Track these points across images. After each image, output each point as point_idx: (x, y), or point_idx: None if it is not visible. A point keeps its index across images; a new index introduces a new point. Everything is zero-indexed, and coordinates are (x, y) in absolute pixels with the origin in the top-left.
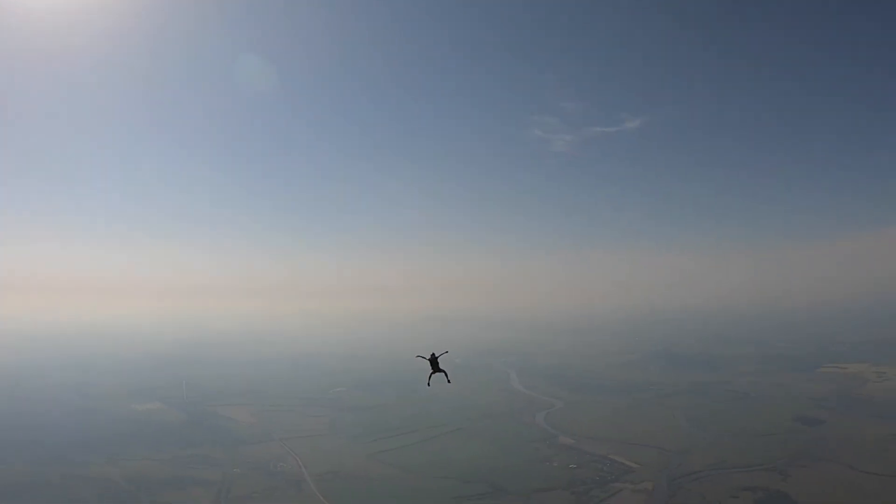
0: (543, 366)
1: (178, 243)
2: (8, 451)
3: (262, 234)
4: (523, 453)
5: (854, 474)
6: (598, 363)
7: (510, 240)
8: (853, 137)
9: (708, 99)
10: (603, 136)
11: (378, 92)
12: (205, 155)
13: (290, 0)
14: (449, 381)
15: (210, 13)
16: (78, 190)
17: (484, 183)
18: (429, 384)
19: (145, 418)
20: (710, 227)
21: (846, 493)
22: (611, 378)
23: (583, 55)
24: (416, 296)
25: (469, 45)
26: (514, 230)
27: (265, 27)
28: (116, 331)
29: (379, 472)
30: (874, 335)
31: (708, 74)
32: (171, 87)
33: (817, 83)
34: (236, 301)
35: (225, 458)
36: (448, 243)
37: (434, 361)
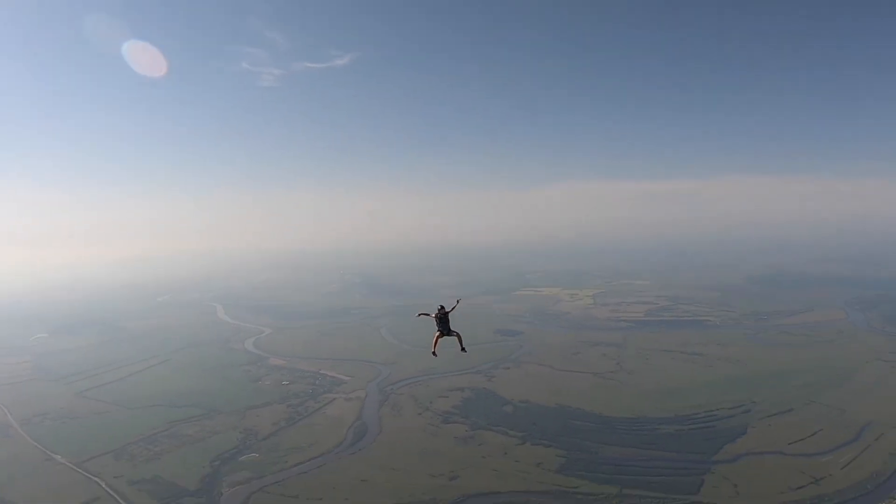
0: (249, 298)
1: None
2: None
3: None
4: (234, 376)
5: (550, 371)
6: (302, 294)
7: (213, 177)
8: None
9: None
10: (311, 73)
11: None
12: None
13: None
14: (464, 350)
15: None
16: None
17: (188, 119)
18: (434, 353)
19: None
20: (419, 167)
21: (545, 386)
22: (315, 306)
23: None
24: (118, 239)
25: None
26: (220, 168)
27: None
28: None
29: (89, 409)
30: (567, 265)
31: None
32: None
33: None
34: None
35: None
36: (150, 182)
37: (443, 320)
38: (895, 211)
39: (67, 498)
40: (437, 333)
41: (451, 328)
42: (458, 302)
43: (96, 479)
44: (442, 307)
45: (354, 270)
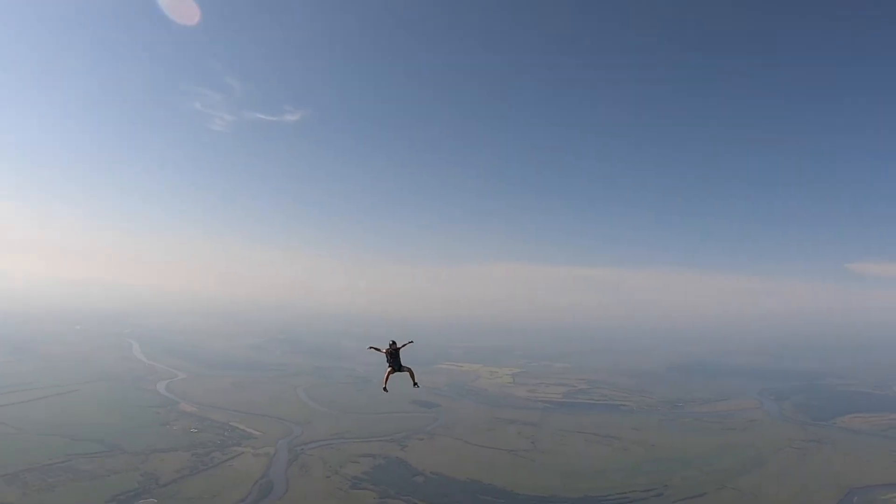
0: (168, 341)
1: None
2: None
3: None
4: (142, 416)
5: (465, 445)
6: (223, 343)
7: (155, 212)
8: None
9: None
10: (262, 124)
11: None
12: None
13: None
14: (416, 385)
15: None
16: None
17: (133, 152)
18: (385, 388)
19: None
20: (352, 234)
21: (459, 459)
22: (234, 357)
23: (259, 33)
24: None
25: None
26: (161, 203)
27: None
28: None
29: None
30: (489, 343)
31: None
32: None
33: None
34: None
35: None
36: (93, 205)
37: (394, 354)
38: (807, 307)
39: None
40: (389, 369)
41: (402, 364)
42: (410, 342)
43: None
44: (394, 342)
45: (279, 326)
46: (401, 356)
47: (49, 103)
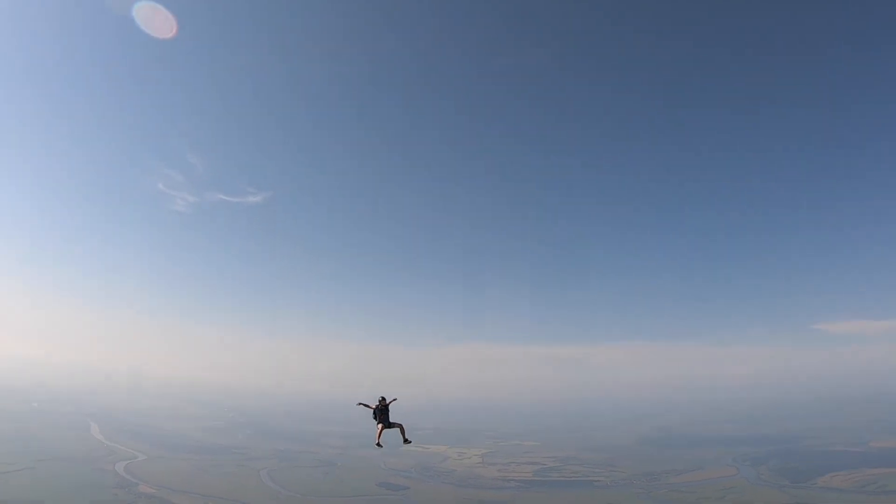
0: (127, 421)
1: None
2: None
3: None
4: (99, 497)
5: None
6: (183, 425)
7: (116, 291)
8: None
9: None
10: (226, 206)
11: None
12: None
13: None
14: (408, 441)
15: None
16: None
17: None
18: (378, 444)
19: None
20: (298, 315)
21: None
22: (195, 439)
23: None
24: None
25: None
26: (122, 283)
27: None
28: None
29: None
30: (456, 424)
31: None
32: None
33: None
34: None
35: None
36: (58, 283)
37: (383, 411)
38: (774, 371)
39: None
40: (381, 426)
41: (391, 420)
42: (394, 399)
43: None
44: (383, 398)
45: (239, 409)
46: (389, 412)
47: (9, 175)
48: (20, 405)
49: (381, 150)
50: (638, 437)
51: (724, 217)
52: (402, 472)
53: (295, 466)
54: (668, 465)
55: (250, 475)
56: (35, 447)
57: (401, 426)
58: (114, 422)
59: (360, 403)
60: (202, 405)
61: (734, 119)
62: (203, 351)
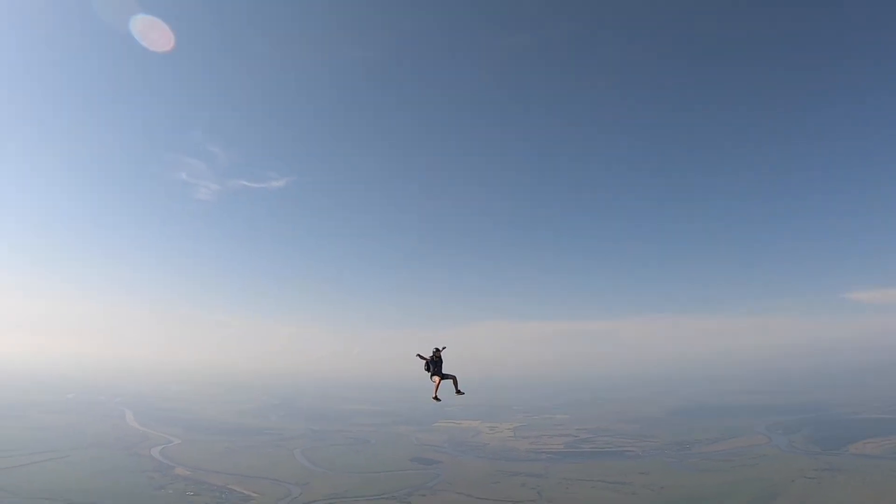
0: (161, 408)
1: None
2: None
3: None
4: (136, 481)
5: (468, 500)
6: (216, 409)
7: (144, 282)
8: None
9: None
10: (249, 192)
11: None
12: None
13: None
14: (460, 392)
15: None
16: None
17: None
18: (436, 397)
19: None
20: (330, 298)
21: None
22: (229, 422)
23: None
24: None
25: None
26: (149, 274)
27: None
28: None
29: None
30: (486, 400)
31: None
32: None
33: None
34: None
35: None
36: (86, 279)
37: (437, 363)
38: (803, 341)
39: None
40: (437, 379)
41: (444, 372)
42: (444, 347)
43: None
44: (437, 349)
45: (272, 392)
46: (443, 362)
47: (34, 173)
48: (55, 397)
49: (407, 128)
50: (669, 409)
51: (753, 187)
52: (435, 447)
53: (329, 445)
54: (699, 434)
55: (285, 454)
56: (73, 436)
57: (454, 377)
58: (147, 409)
59: (418, 355)
60: (234, 390)
61: (760, 81)
62: (231, 338)
